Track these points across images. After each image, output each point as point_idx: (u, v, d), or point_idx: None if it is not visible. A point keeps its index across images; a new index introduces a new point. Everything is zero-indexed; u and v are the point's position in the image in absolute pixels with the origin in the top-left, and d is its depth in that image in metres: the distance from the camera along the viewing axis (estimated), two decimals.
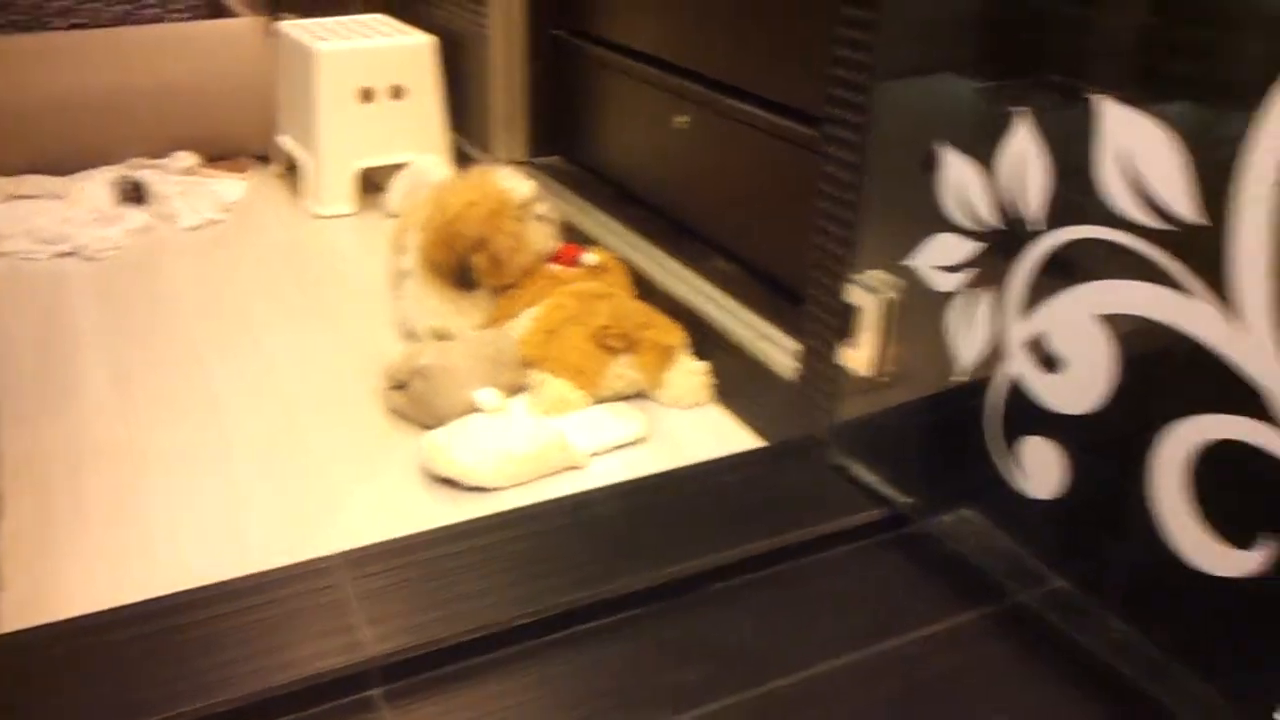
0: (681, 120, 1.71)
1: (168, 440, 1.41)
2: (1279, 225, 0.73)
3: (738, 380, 1.47)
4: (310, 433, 1.44)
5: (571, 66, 2.08)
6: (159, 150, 2.46)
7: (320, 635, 0.96)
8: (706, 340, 1.52)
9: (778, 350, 1.38)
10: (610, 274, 1.64)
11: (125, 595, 1.00)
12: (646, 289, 1.63)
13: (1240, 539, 0.81)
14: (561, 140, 2.17)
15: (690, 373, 1.50)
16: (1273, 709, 0.81)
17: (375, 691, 0.94)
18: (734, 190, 1.63)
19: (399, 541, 1.08)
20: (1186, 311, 0.80)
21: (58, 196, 2.24)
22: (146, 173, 2.36)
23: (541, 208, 1.62)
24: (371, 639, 0.95)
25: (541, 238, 1.60)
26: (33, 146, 2.33)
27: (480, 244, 1.56)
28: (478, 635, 0.97)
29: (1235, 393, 0.78)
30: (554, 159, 2.17)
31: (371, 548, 1.07)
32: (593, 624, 1.01)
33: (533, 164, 2.16)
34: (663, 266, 1.64)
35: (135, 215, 2.19)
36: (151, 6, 2.81)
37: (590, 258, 1.63)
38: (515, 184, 1.60)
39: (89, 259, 2.03)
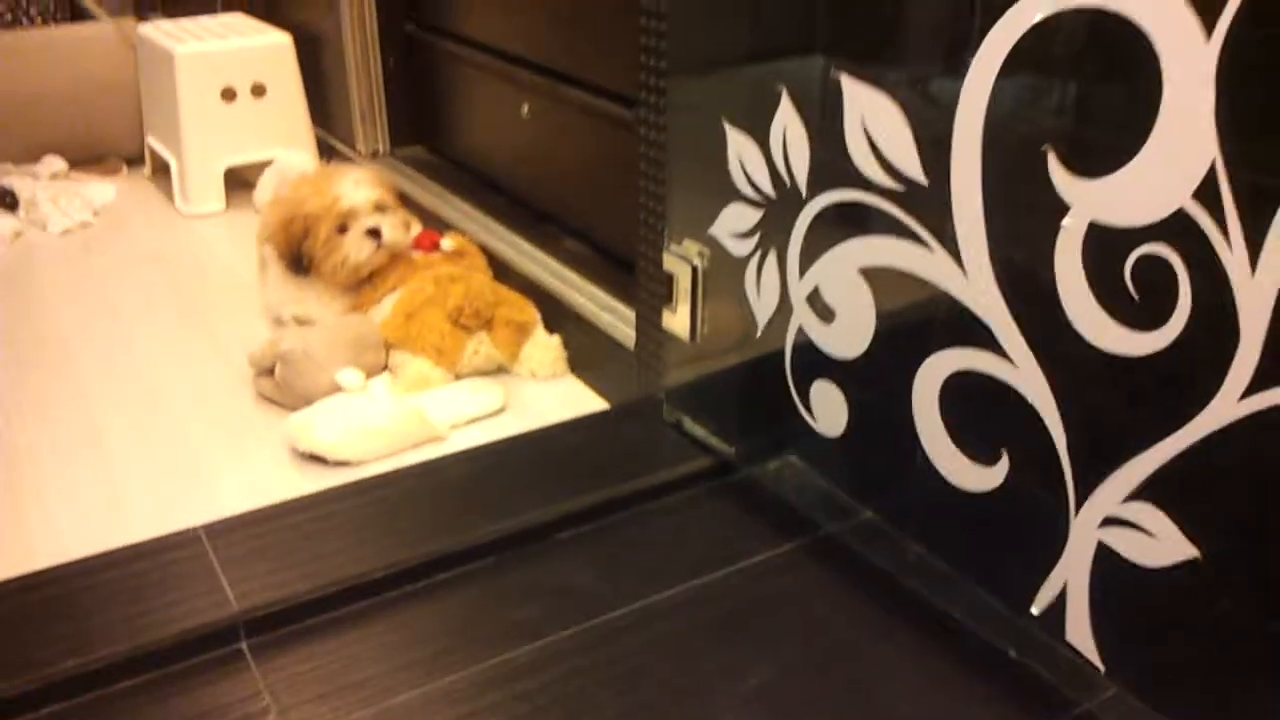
0: (526, 109, 1.81)
1: (42, 436, 1.47)
2: (989, 185, 0.86)
3: (588, 351, 1.58)
4: (182, 420, 1.51)
5: (426, 60, 2.16)
6: (27, 156, 2.48)
7: (189, 596, 1.04)
8: (558, 315, 1.63)
9: (619, 320, 1.49)
10: (468, 258, 1.74)
11: (3, 574, 1.08)
12: (502, 270, 1.73)
13: (986, 456, 0.94)
14: (422, 131, 2.25)
15: (544, 346, 1.61)
16: (1029, 604, 0.95)
17: (242, 645, 1.03)
18: (575, 173, 1.74)
19: (261, 511, 1.17)
20: (926, 262, 0.93)
21: None
22: (15, 179, 2.38)
23: (378, 218, 1.67)
24: (236, 596, 1.04)
25: (359, 246, 1.65)
26: None
27: (308, 234, 1.65)
28: (335, 589, 1.07)
29: (969, 329, 0.92)
30: (416, 149, 2.26)
31: (235, 518, 1.15)
32: (443, 575, 1.11)
33: (394, 155, 2.24)
34: (516, 248, 1.75)
35: (5, 221, 2.22)
36: (3, 13, 2.81)
37: (448, 243, 1.73)
38: (349, 190, 1.67)
39: None
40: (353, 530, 1.14)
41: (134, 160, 2.59)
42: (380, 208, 1.68)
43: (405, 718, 0.94)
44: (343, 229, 1.65)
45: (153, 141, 2.48)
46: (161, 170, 2.46)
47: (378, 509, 1.18)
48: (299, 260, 1.66)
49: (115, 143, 2.58)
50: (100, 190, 2.42)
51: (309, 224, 1.65)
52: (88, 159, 2.56)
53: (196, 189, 2.30)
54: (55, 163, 2.49)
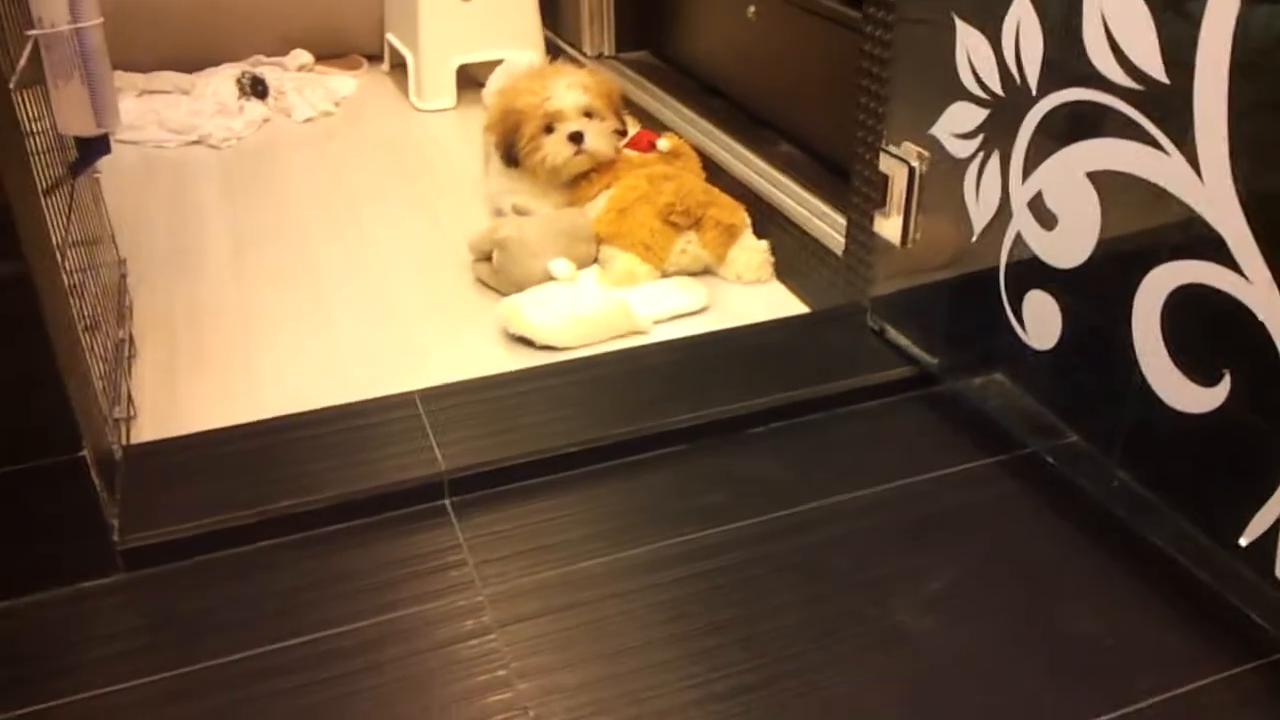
0: (752, 10, 1.79)
1: (277, 302, 1.58)
2: (1234, 89, 0.81)
3: (795, 257, 1.57)
4: (403, 297, 1.59)
5: None
6: (279, 49, 2.63)
7: (401, 453, 1.11)
8: (768, 220, 1.62)
9: (829, 227, 1.47)
10: (682, 159, 1.75)
11: (236, 421, 1.17)
12: (716, 173, 1.73)
13: (1207, 377, 0.89)
14: (647, 35, 2.26)
15: (752, 250, 1.61)
16: (1239, 536, 0.91)
17: (445, 501, 1.09)
18: (795, 77, 1.71)
19: (471, 382, 1.23)
20: (1160, 167, 0.88)
21: (185, 91, 2.42)
22: (266, 69, 2.53)
23: (584, 123, 1.68)
24: (444, 457, 1.10)
25: (558, 149, 1.67)
26: (163, 45, 2.51)
27: (518, 129, 1.69)
28: (534, 459, 1.11)
29: (1201, 241, 0.86)
30: (642, 54, 2.27)
31: (447, 385, 1.22)
32: (636, 456, 1.15)
33: (619, 58, 2.26)
34: (731, 152, 1.74)
35: (256, 108, 2.37)
36: None
37: (664, 143, 1.74)
38: (560, 92, 1.68)
39: (213, 147, 2.21)
40: (554, 406, 1.18)
41: (374, 56, 2.71)
42: (589, 113, 1.70)
43: (590, 582, 0.98)
44: (549, 129, 1.68)
45: (392, 38, 2.59)
46: (399, 66, 2.56)
47: (579, 389, 1.21)
48: (511, 152, 1.71)
49: (358, 39, 2.70)
50: (342, 83, 2.55)
51: (519, 119, 1.69)
52: (332, 53, 2.69)
53: (430, 85, 2.39)
54: (302, 56, 2.63)
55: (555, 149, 1.67)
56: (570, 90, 1.69)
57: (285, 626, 0.94)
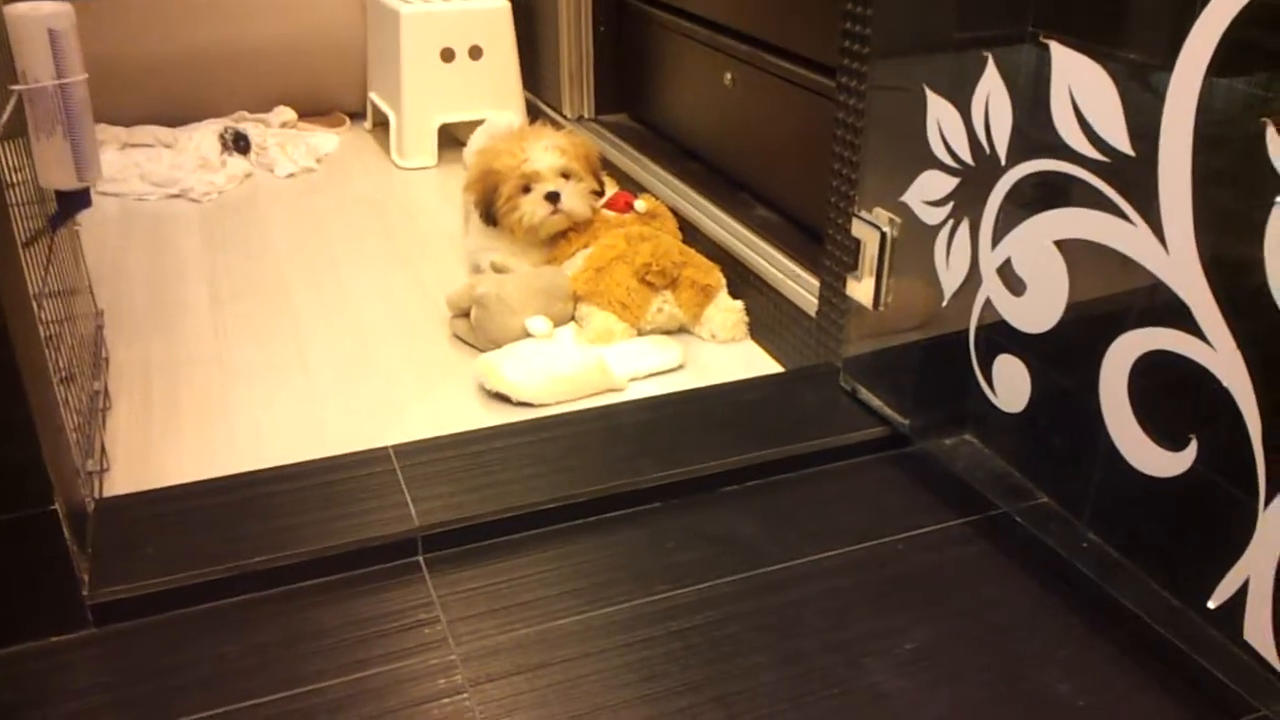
0: (729, 77, 1.82)
1: (255, 355, 1.58)
2: (1197, 161, 0.83)
3: (769, 317, 1.59)
4: (381, 352, 1.60)
5: (636, 28, 2.20)
6: (262, 105, 2.65)
7: (375, 508, 1.11)
8: (743, 281, 1.64)
9: (803, 288, 1.49)
10: (659, 220, 1.77)
11: (211, 474, 1.17)
12: (692, 234, 1.76)
13: (1174, 442, 0.91)
14: (626, 98, 2.30)
15: (727, 310, 1.63)
16: (1208, 599, 0.92)
17: (419, 558, 1.09)
18: (771, 142, 1.74)
19: (447, 438, 1.23)
20: (1126, 237, 0.90)
21: (168, 145, 2.44)
22: (249, 125, 2.56)
23: (561, 184, 1.71)
24: (418, 513, 1.10)
25: (535, 208, 1.70)
26: (146, 99, 2.53)
27: (496, 187, 1.71)
28: (509, 515, 1.12)
29: (1166, 308, 0.88)
30: (620, 116, 2.31)
31: (422, 441, 1.22)
32: (611, 514, 1.15)
33: (599, 120, 2.29)
34: (707, 214, 1.76)
35: (238, 163, 2.39)
36: None
37: (640, 204, 1.76)
38: (538, 154, 1.71)
39: (194, 201, 2.23)
40: (530, 463, 1.18)
41: (357, 114, 2.74)
42: (566, 174, 1.72)
43: (563, 640, 0.98)
44: (526, 189, 1.70)
45: (375, 97, 2.62)
46: (381, 125, 2.59)
47: (554, 446, 1.22)
48: (490, 211, 1.73)
49: (341, 97, 2.73)
50: (325, 140, 2.57)
51: (497, 179, 1.71)
52: (315, 111, 2.72)
53: (412, 143, 2.42)
54: (286, 113, 2.65)
55: (532, 208, 1.69)
56: (548, 152, 1.72)
57: (256, 683, 0.93)
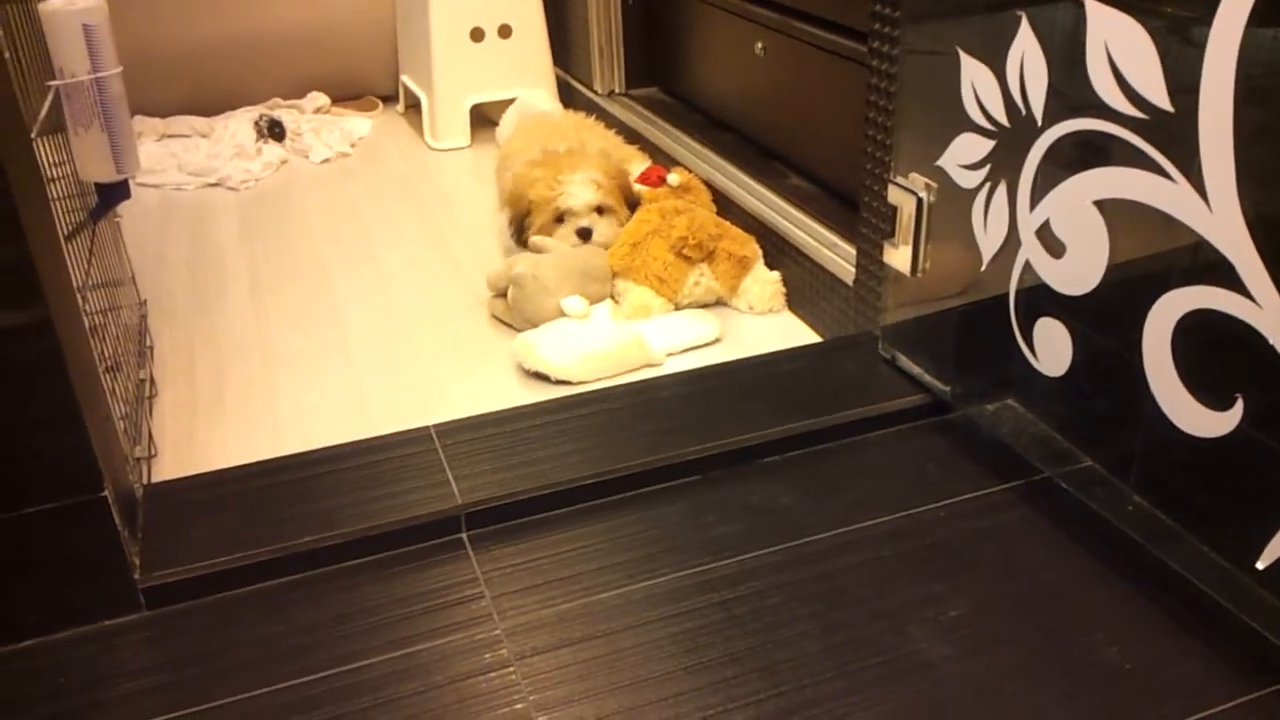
0: (760, 46, 1.81)
1: (296, 340, 1.60)
2: (1239, 115, 0.81)
3: (806, 287, 1.58)
4: (420, 334, 1.61)
5: (663, 2, 2.19)
6: (295, 92, 2.67)
7: (418, 487, 1.12)
8: (779, 251, 1.63)
9: (839, 257, 1.48)
10: (693, 193, 1.76)
11: (256, 457, 1.19)
12: (727, 206, 1.75)
13: (1219, 401, 0.90)
14: (657, 72, 2.29)
15: (764, 281, 1.62)
16: (1256, 559, 0.90)
17: (462, 535, 1.10)
18: (803, 110, 1.73)
19: (486, 416, 1.24)
20: (1167, 195, 0.89)
21: (204, 135, 2.46)
22: (284, 112, 2.57)
23: (594, 219, 1.70)
24: (460, 491, 1.11)
25: (568, 242, 1.69)
26: (182, 90, 2.55)
27: (530, 213, 1.70)
28: (549, 492, 1.12)
29: (1210, 266, 0.87)
30: (651, 90, 2.30)
31: (462, 420, 1.22)
32: (651, 487, 1.15)
33: (630, 95, 2.29)
34: (742, 185, 1.76)
35: (273, 150, 2.40)
36: None
37: (674, 178, 1.76)
38: (575, 189, 1.68)
39: (232, 189, 2.25)
40: (569, 440, 1.19)
41: (389, 98, 2.75)
42: (601, 209, 1.70)
43: (607, 614, 0.99)
44: (559, 219, 1.70)
45: (406, 80, 2.62)
46: (413, 107, 2.60)
47: (594, 422, 1.22)
48: (520, 231, 1.73)
49: (373, 81, 2.74)
50: (358, 124, 2.58)
51: (531, 207, 1.71)
52: (348, 95, 2.73)
53: (444, 125, 2.42)
54: (319, 98, 2.67)
55: (564, 241, 1.70)
56: (584, 186, 1.69)
57: (304, 662, 0.94)
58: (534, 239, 1.71)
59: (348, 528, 1.07)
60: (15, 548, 0.95)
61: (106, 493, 0.96)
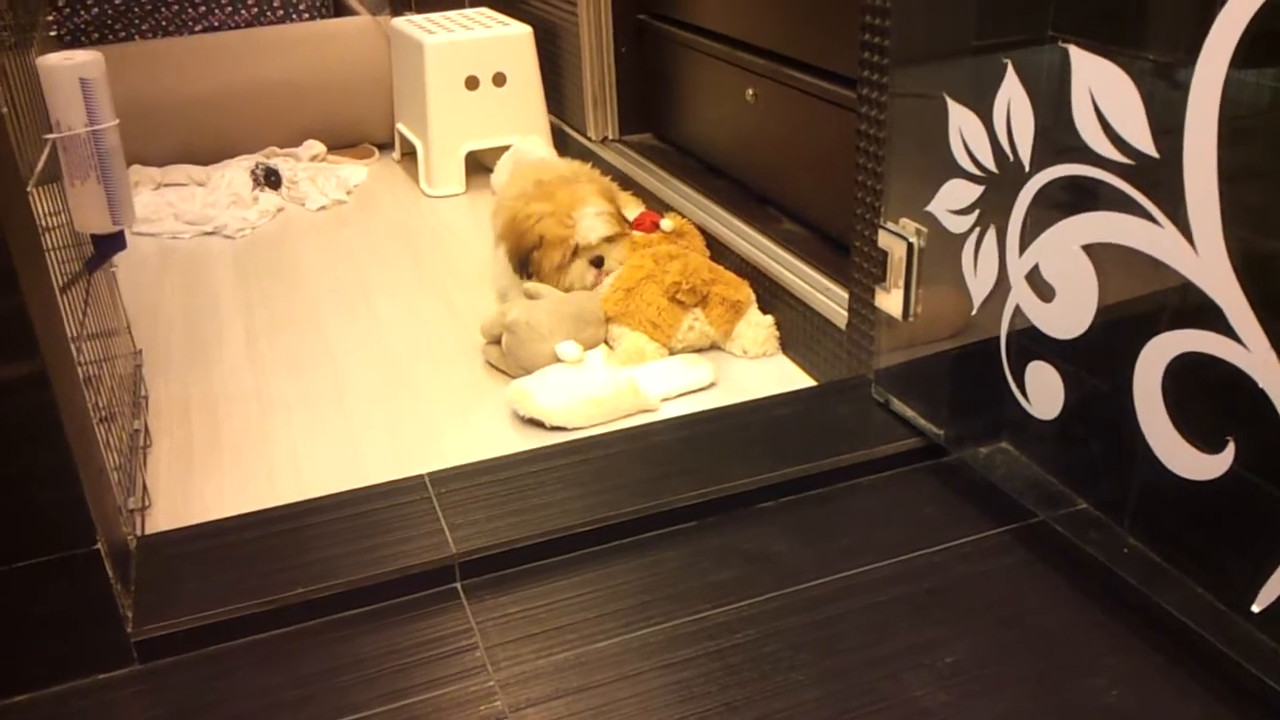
0: (751, 93, 1.83)
1: (291, 388, 1.60)
2: (1223, 158, 0.82)
3: (799, 331, 1.58)
4: (415, 381, 1.61)
5: (656, 48, 2.21)
6: (291, 140, 2.69)
7: (412, 537, 1.12)
8: (772, 295, 1.64)
9: (832, 301, 1.49)
10: (686, 238, 1.77)
11: (251, 507, 1.18)
12: (720, 251, 1.76)
13: (1211, 444, 0.90)
14: (649, 118, 2.31)
15: (757, 325, 1.63)
16: (1252, 603, 0.90)
17: (457, 584, 1.09)
18: (794, 155, 1.75)
19: (481, 464, 1.23)
20: (1154, 239, 0.90)
21: (200, 183, 2.48)
22: (279, 160, 2.59)
23: (605, 248, 1.71)
24: (454, 540, 1.10)
25: (583, 275, 1.70)
26: (178, 139, 2.57)
27: (539, 247, 1.71)
28: (545, 539, 1.12)
29: (1198, 310, 0.87)
30: (644, 136, 2.32)
31: (456, 468, 1.22)
32: (647, 534, 1.15)
33: (623, 141, 2.30)
34: (734, 229, 1.77)
35: (269, 198, 2.42)
36: (279, 8, 3.05)
37: (667, 224, 1.77)
38: (588, 225, 1.70)
39: (228, 238, 2.26)
40: (564, 487, 1.19)
41: (385, 145, 2.77)
42: (610, 239, 1.71)
43: (603, 663, 0.98)
44: (574, 254, 1.71)
45: (402, 128, 2.65)
46: (409, 154, 2.62)
47: (589, 468, 1.22)
48: (525, 264, 1.73)
49: (369, 129, 2.77)
50: (354, 172, 2.60)
51: (543, 243, 1.70)
52: (344, 143, 2.75)
53: (440, 172, 2.44)
54: (315, 146, 2.69)
55: (580, 275, 1.70)
56: (598, 219, 1.70)
57: (299, 715, 0.94)
58: (527, 285, 1.72)
59: (341, 579, 1.06)
60: (7, 602, 0.95)
61: (99, 545, 0.96)
